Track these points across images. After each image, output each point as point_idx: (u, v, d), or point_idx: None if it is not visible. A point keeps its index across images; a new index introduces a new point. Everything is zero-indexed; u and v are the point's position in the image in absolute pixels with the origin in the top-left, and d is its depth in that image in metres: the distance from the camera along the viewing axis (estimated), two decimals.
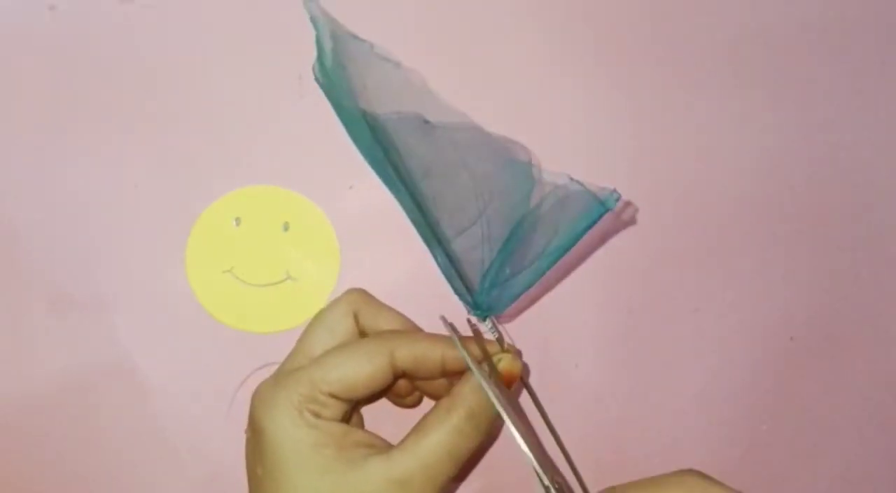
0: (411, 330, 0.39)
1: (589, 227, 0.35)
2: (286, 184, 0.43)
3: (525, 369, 0.42)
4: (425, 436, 0.34)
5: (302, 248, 0.42)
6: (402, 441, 0.34)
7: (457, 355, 0.36)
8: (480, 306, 0.37)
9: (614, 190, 0.34)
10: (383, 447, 0.35)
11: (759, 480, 0.44)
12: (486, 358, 0.36)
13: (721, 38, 0.45)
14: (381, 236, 0.42)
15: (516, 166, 0.38)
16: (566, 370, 0.43)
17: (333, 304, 0.38)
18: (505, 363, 0.36)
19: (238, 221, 0.42)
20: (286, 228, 0.42)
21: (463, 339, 0.37)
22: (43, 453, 0.42)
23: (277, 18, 0.42)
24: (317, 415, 0.34)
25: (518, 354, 0.38)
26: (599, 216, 0.34)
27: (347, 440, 0.34)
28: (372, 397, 0.39)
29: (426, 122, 0.38)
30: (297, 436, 0.33)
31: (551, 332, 0.43)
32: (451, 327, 0.37)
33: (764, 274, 0.44)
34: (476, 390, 0.35)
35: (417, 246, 0.39)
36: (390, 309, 0.39)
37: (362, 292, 0.39)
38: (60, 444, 0.42)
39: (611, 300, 0.44)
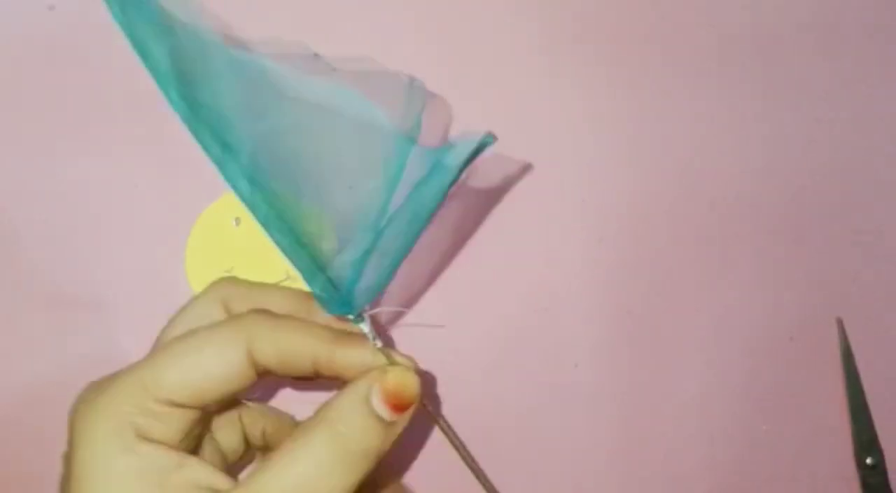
0: (283, 315, 0.29)
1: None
2: None
3: (427, 389, 0.35)
4: (273, 473, 0.24)
5: None
6: (250, 475, 0.25)
7: (332, 356, 0.27)
8: (351, 302, 0.27)
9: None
10: (226, 489, 0.26)
11: (759, 480, 0.44)
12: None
13: (720, 37, 0.45)
14: None
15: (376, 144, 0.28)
16: (565, 370, 0.43)
17: (197, 295, 0.30)
18: (394, 376, 0.26)
19: (238, 221, 0.42)
20: None
21: (356, 338, 0.28)
22: (43, 452, 0.42)
23: (276, 18, 0.42)
24: (144, 435, 0.25)
25: (416, 371, 0.28)
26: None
27: (178, 476, 0.25)
28: (229, 405, 0.30)
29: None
30: (110, 465, 0.25)
31: (550, 331, 0.43)
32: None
33: (764, 274, 0.44)
34: (352, 409, 0.25)
35: (416, 247, 0.38)
36: (272, 288, 0.30)
37: (233, 279, 0.31)
38: (60, 443, 0.42)
39: (610, 300, 0.44)
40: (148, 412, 0.26)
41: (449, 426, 0.31)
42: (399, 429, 0.27)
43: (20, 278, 0.42)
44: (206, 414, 0.28)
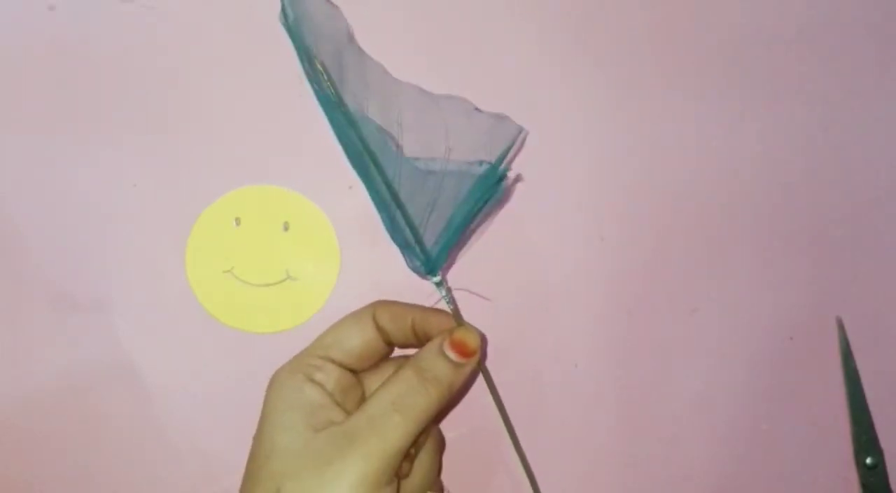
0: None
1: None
2: (286, 184, 0.43)
3: (483, 350, 0.41)
4: (377, 396, 0.35)
5: (302, 248, 0.42)
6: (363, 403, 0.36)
7: (423, 318, 0.38)
8: (434, 265, 0.39)
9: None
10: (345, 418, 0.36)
11: (759, 480, 0.44)
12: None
13: (719, 38, 0.45)
14: (380, 236, 0.42)
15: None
16: (565, 370, 0.43)
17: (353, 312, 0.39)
18: (460, 331, 0.37)
19: (238, 221, 0.42)
20: (286, 228, 0.42)
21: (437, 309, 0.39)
22: (43, 453, 0.42)
23: (276, 18, 0.42)
24: (309, 377, 0.36)
25: (480, 336, 0.38)
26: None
27: (321, 412, 0.35)
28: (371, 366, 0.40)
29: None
30: (279, 395, 0.36)
31: (551, 331, 0.43)
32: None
33: (763, 274, 0.44)
34: (429, 351, 0.36)
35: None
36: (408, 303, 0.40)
37: (384, 301, 0.40)
38: (60, 444, 0.42)
39: (610, 300, 0.44)
40: (313, 364, 0.37)
41: (490, 379, 0.40)
42: (465, 370, 0.37)
43: (20, 278, 0.42)
44: (356, 374, 0.38)
